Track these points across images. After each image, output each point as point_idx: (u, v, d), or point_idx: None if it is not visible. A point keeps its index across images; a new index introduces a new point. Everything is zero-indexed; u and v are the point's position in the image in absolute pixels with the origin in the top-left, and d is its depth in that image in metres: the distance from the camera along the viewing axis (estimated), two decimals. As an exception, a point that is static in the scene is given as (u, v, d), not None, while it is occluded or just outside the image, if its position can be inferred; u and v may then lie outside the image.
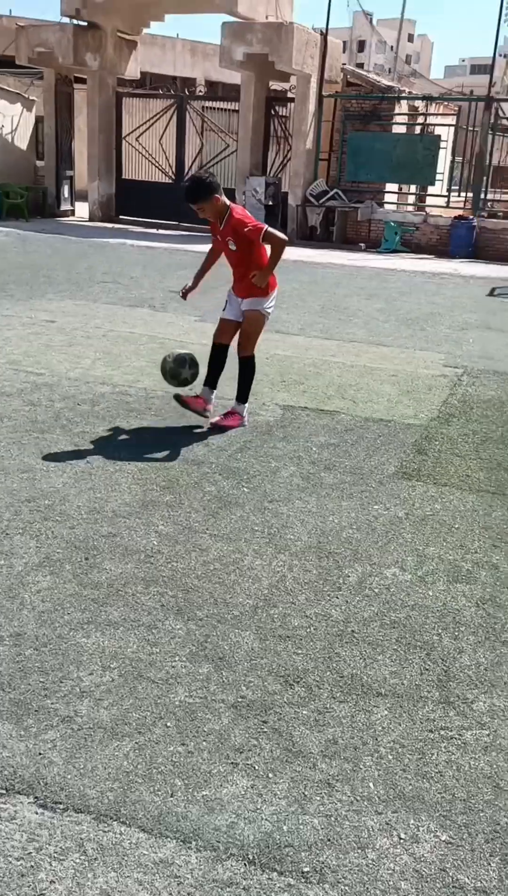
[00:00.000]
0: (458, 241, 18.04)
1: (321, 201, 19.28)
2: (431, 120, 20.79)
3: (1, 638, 3.02)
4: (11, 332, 7.92)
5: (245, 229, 5.13)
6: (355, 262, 16.08)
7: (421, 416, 6.06)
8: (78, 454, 4.88)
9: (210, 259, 5.59)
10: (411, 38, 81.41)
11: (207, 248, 5.73)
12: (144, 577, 3.50)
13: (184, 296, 5.59)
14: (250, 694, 2.79)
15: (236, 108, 19.79)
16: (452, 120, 22.07)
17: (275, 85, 20.13)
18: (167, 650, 3.01)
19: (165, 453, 4.98)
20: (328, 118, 19.55)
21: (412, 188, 21.11)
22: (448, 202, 19.44)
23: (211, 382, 5.53)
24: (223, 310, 5.52)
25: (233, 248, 5.22)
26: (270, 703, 2.74)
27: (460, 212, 18.98)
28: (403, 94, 20.21)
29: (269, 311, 5.47)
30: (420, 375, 7.24)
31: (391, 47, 73.58)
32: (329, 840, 2.20)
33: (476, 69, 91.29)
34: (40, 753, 2.46)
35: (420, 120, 20.54)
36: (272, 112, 19.92)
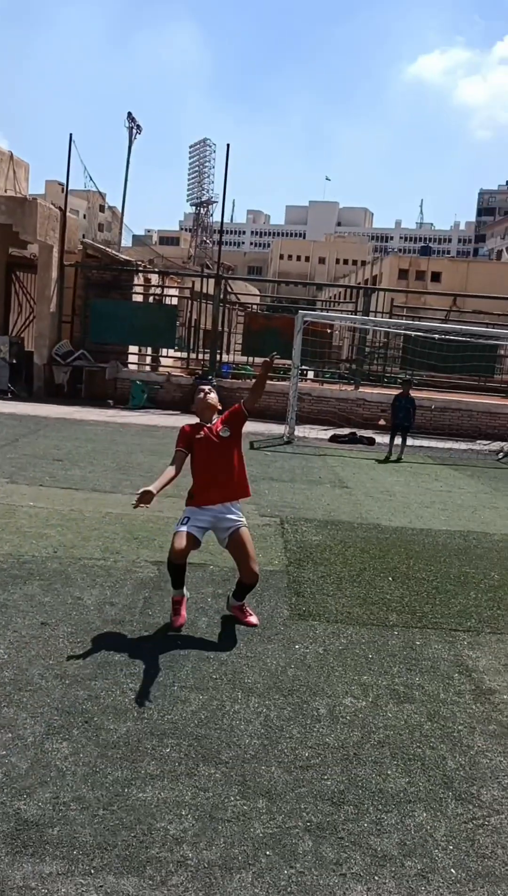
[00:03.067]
0: (200, 399, 19.62)
1: (67, 360, 20.02)
2: (162, 290, 22.78)
3: (67, 804, 3.14)
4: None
5: (234, 406, 5.25)
6: (114, 419, 16.85)
7: (275, 562, 6.79)
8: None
9: (176, 472, 5.10)
10: (102, 208, 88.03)
11: None
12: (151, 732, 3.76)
13: (141, 504, 4.76)
14: (313, 819, 3.20)
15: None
16: (176, 291, 24.37)
17: (14, 251, 20.96)
18: (219, 792, 3.32)
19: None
20: (70, 285, 20.67)
21: (149, 350, 22.70)
22: (189, 363, 21.20)
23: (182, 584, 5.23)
24: (183, 524, 5.07)
25: (227, 434, 5.15)
26: (325, 824, 3.18)
27: (198, 372, 20.76)
28: (141, 268, 21.99)
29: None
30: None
31: (87, 219, 78.02)
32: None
33: (165, 241, 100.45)
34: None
35: (155, 290, 22.42)
36: (13, 276, 20.63)
